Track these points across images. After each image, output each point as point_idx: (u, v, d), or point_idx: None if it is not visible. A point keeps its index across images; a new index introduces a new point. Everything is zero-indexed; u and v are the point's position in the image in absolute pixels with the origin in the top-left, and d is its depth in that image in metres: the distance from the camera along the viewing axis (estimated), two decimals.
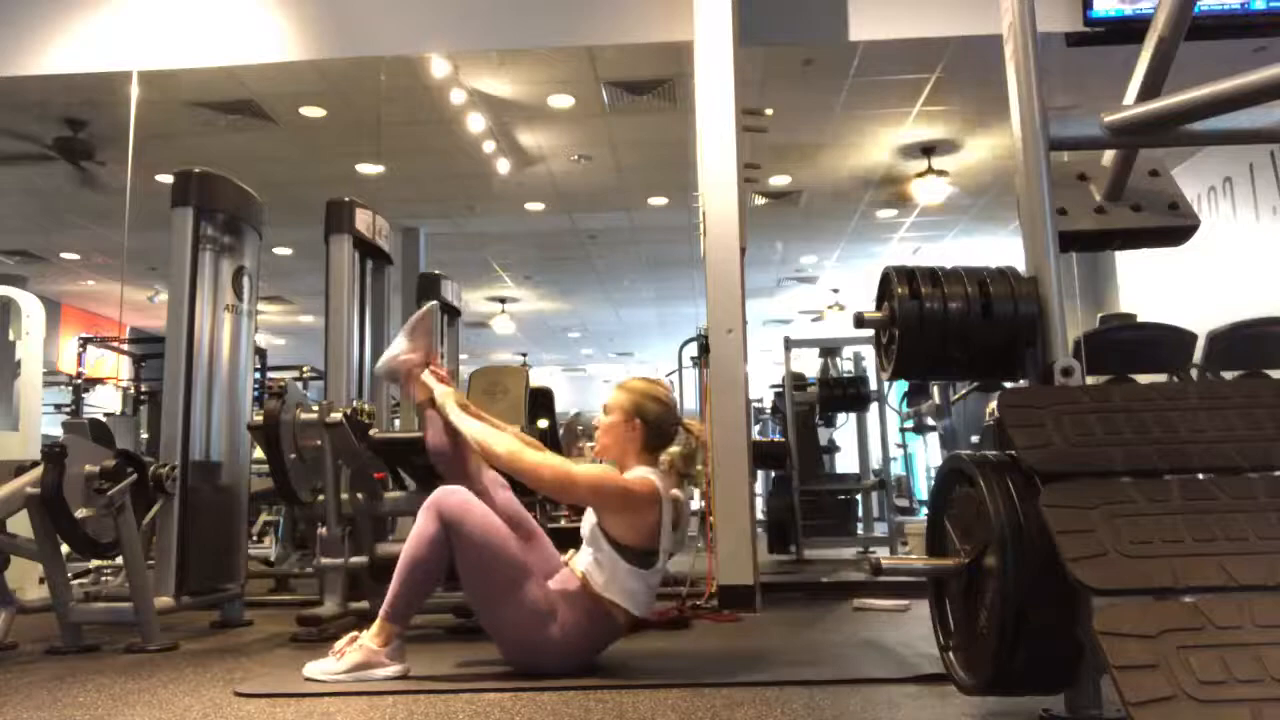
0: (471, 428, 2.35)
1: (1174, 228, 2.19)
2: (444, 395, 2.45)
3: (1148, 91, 2.07)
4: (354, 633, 2.26)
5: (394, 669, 2.21)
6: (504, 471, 2.38)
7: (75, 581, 3.41)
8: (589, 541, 2.31)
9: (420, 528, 2.23)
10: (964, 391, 6.42)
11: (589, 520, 2.33)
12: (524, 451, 2.28)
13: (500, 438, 2.32)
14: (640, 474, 2.30)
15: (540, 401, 4.14)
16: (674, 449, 2.41)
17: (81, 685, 2.22)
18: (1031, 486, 1.55)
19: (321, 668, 2.20)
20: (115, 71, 4.71)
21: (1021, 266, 1.97)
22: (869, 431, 6.61)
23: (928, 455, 11.41)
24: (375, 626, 2.23)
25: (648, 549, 2.26)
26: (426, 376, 2.50)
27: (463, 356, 5.26)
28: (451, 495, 2.26)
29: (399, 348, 2.53)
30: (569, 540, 2.81)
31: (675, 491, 2.33)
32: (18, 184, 6.83)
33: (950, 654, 1.78)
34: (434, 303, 2.65)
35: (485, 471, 2.48)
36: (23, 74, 4.69)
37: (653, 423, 2.37)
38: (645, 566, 2.26)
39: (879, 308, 2.04)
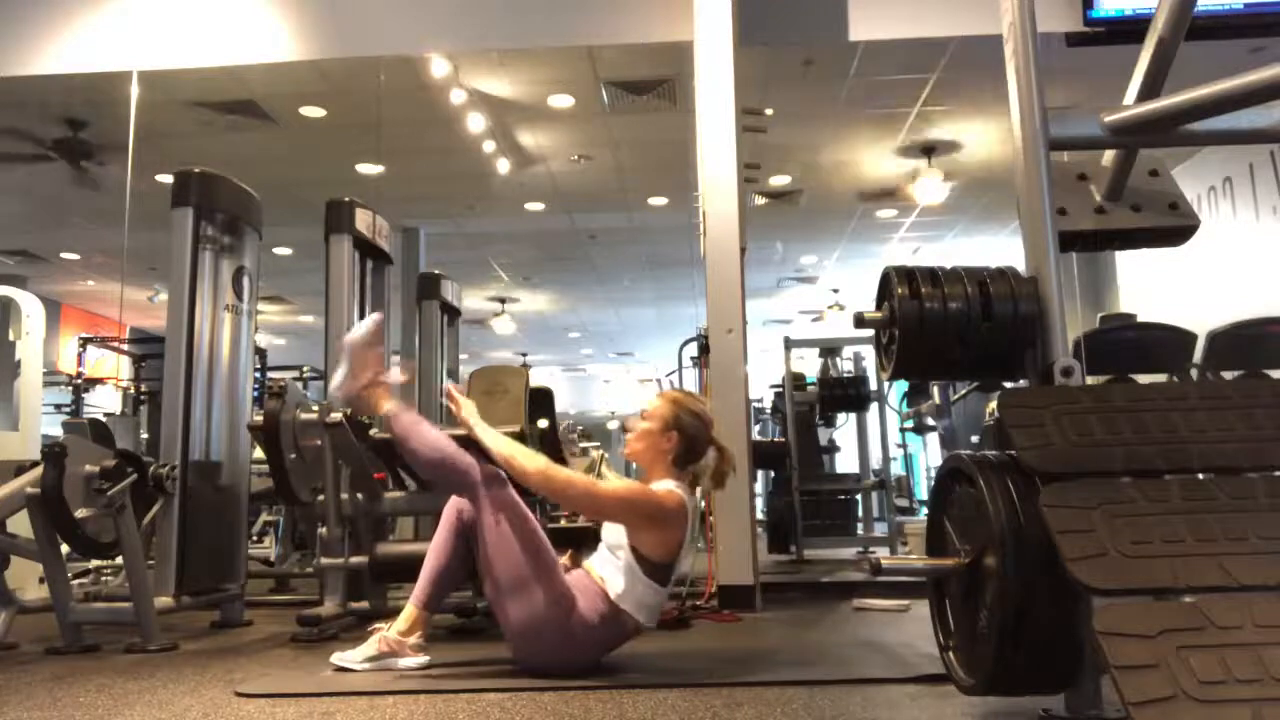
0: (500, 444, 2.31)
1: (1174, 228, 2.19)
2: (468, 411, 2.40)
3: (1148, 91, 2.07)
4: (379, 624, 2.33)
5: (420, 660, 2.27)
6: (523, 485, 2.33)
7: (75, 581, 3.41)
8: (610, 549, 2.30)
9: (448, 522, 2.31)
10: (964, 391, 6.43)
11: (613, 529, 2.32)
12: (554, 469, 2.27)
13: (530, 455, 2.29)
14: (668, 487, 2.29)
15: (540, 401, 4.13)
16: (707, 465, 2.40)
17: (81, 685, 2.22)
18: (1031, 486, 1.55)
19: (348, 656, 2.27)
20: (115, 71, 4.71)
21: (1021, 266, 1.97)
22: (869, 431, 6.61)
23: (928, 455, 11.41)
24: (406, 615, 2.30)
25: (669, 563, 2.26)
26: (454, 392, 2.46)
27: (463, 356, 5.26)
28: (484, 483, 2.28)
29: (341, 375, 2.42)
30: (568, 540, 2.81)
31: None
32: (18, 184, 6.83)
33: (950, 654, 1.78)
34: (377, 315, 2.57)
35: (480, 477, 2.42)
36: (23, 74, 4.69)
37: (689, 437, 2.36)
38: (663, 582, 2.27)
39: (879, 308, 2.04)
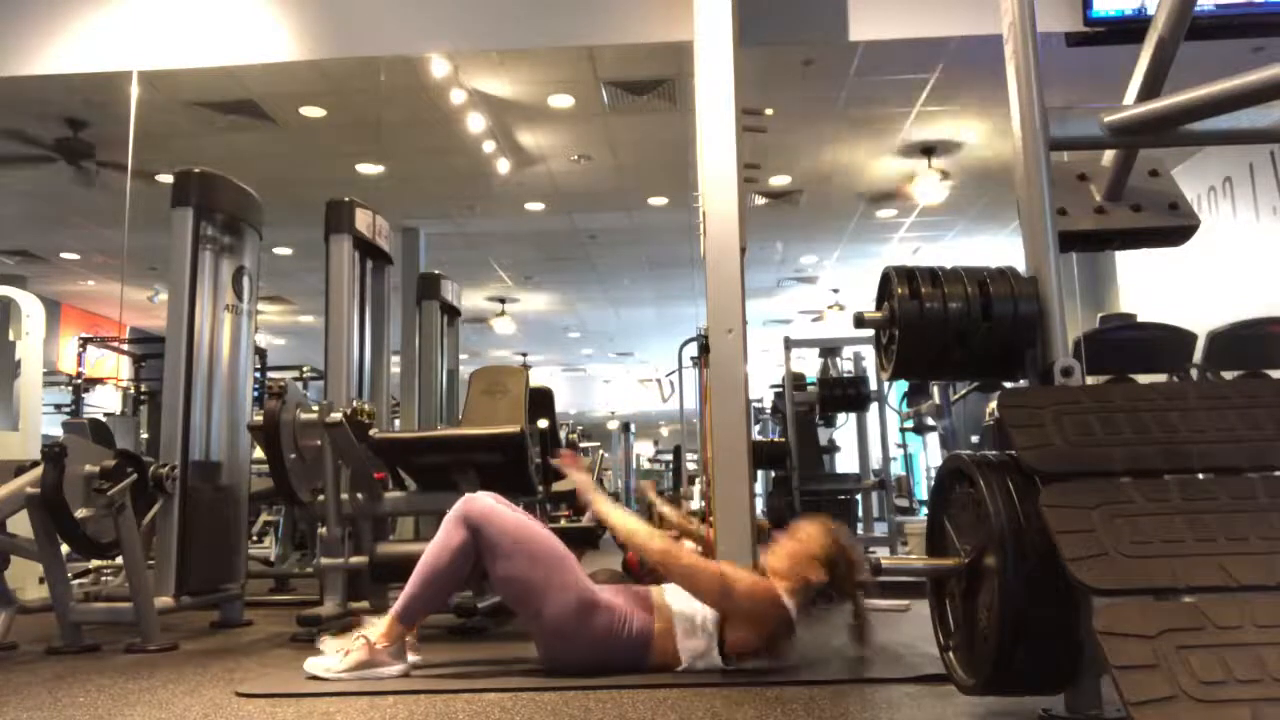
0: (623, 521, 2.32)
1: (1174, 228, 2.19)
2: (585, 486, 2.41)
3: (1148, 91, 2.07)
4: (359, 630, 2.27)
5: (396, 668, 2.22)
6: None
7: (75, 581, 3.41)
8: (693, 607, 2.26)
9: (445, 535, 2.26)
10: (964, 391, 6.42)
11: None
12: (677, 551, 2.25)
13: (651, 534, 2.30)
14: (788, 601, 2.23)
15: (540, 401, 4.14)
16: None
17: (81, 685, 2.22)
18: (1031, 486, 1.55)
19: (324, 664, 2.21)
20: (115, 71, 4.71)
21: (1021, 266, 1.97)
22: (869, 431, 6.61)
23: (928, 455, 11.41)
24: (383, 625, 2.24)
25: (749, 653, 2.21)
26: (564, 466, 2.48)
27: (463, 356, 5.26)
28: (477, 500, 2.29)
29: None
30: (570, 539, 2.81)
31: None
32: (18, 184, 6.83)
33: (950, 654, 1.78)
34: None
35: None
36: (23, 74, 4.69)
37: (836, 579, 2.29)
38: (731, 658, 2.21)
39: (879, 308, 2.04)
